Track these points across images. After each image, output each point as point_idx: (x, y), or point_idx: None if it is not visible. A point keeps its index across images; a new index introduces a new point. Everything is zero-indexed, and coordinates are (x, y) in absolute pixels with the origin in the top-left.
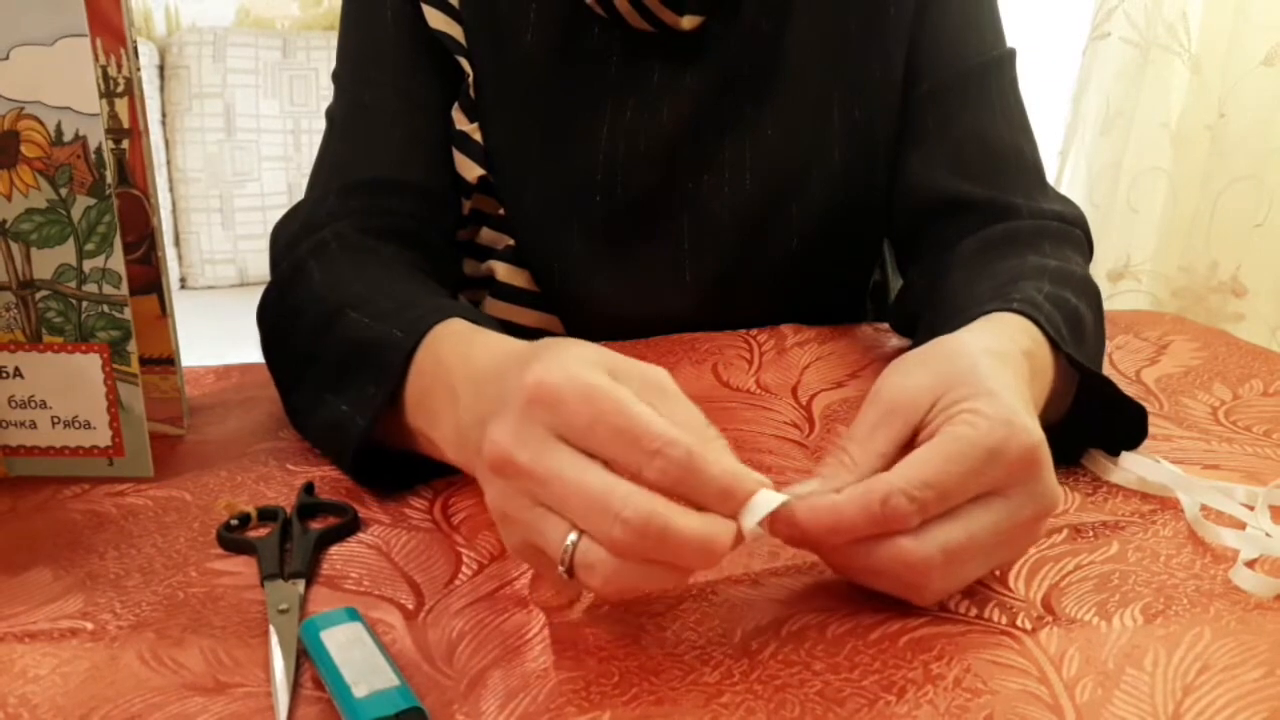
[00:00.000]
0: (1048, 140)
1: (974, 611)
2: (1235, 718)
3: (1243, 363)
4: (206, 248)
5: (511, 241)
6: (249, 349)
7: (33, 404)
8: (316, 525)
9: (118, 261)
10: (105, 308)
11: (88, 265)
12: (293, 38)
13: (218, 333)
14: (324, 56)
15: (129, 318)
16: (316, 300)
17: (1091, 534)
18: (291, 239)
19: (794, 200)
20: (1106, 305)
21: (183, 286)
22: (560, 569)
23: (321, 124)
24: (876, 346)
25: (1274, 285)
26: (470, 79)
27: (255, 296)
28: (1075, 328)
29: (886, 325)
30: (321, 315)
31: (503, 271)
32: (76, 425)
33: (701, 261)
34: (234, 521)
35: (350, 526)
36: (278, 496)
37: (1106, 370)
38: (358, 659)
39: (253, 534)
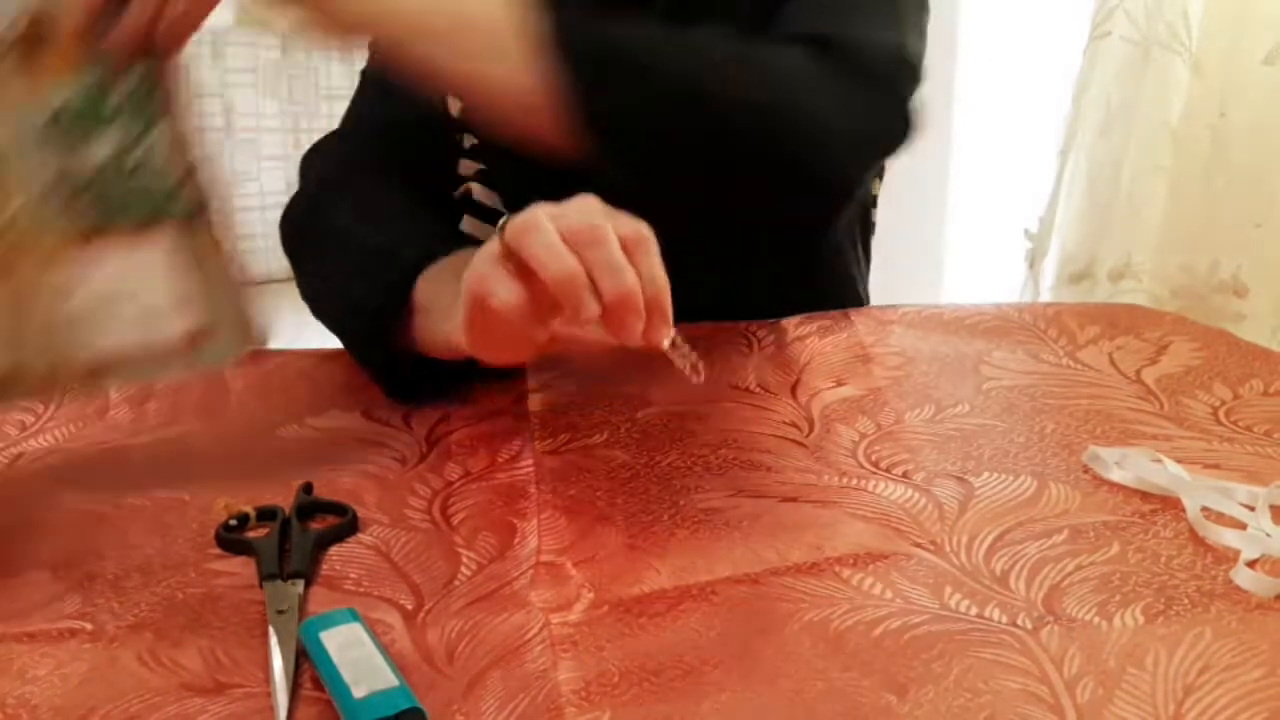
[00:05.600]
0: (1048, 140)
1: (975, 611)
2: (1236, 718)
3: (1243, 362)
4: None
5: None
6: None
7: (108, 301)
8: (315, 525)
9: (172, 135)
10: (166, 181)
11: (140, 146)
12: (292, 37)
13: None
14: (324, 56)
15: (202, 185)
16: (356, 202)
17: (1092, 534)
18: (321, 164)
19: None
20: (1107, 303)
21: None
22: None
23: (321, 123)
24: (879, 342)
25: (1275, 285)
26: None
27: (255, 296)
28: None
29: (892, 315)
30: (361, 211)
31: (478, 191)
32: (160, 316)
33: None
34: (232, 522)
35: (349, 527)
36: (276, 496)
37: (1107, 370)
38: (357, 660)
39: (251, 534)
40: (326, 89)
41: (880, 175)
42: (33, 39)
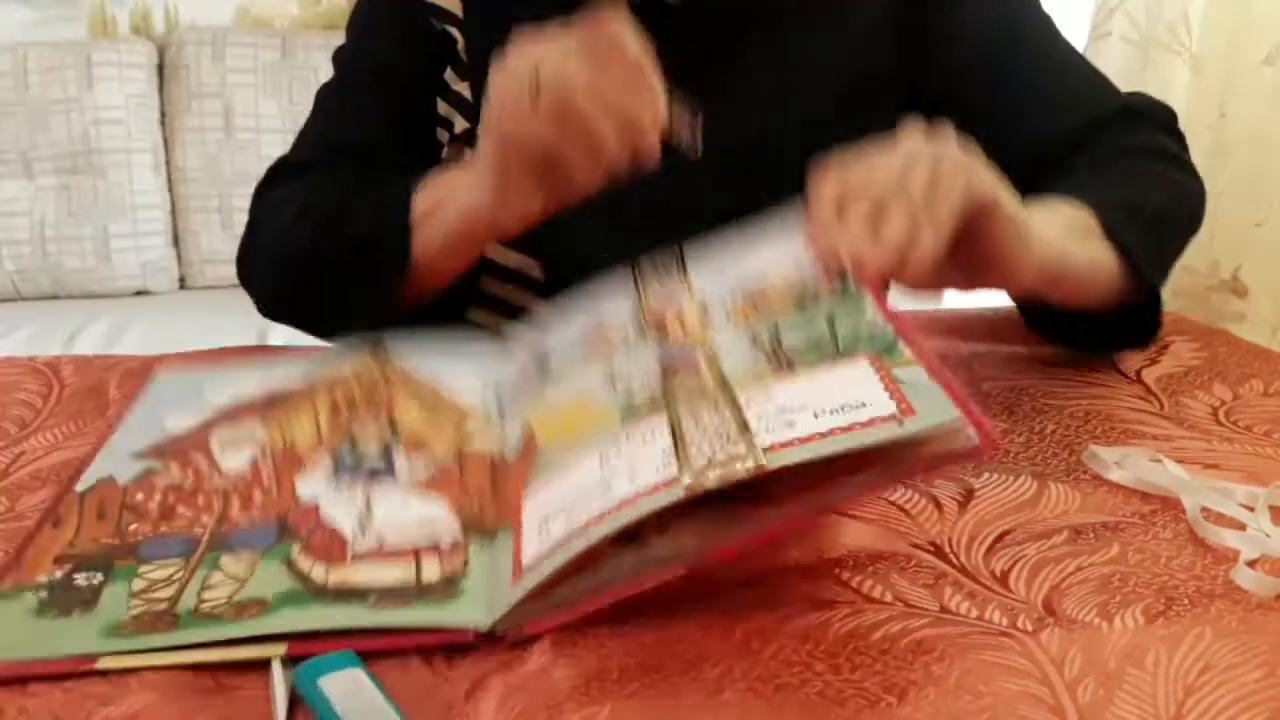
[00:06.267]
0: None
1: (975, 613)
2: (1237, 718)
3: (1243, 362)
4: (206, 248)
5: None
6: None
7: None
8: None
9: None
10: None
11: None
12: (292, 37)
13: (217, 333)
14: (323, 56)
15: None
16: (312, 205)
17: (1092, 535)
18: (275, 190)
19: (760, 182)
20: None
21: (182, 286)
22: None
23: None
24: None
25: (1275, 285)
26: (461, 44)
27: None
28: (1140, 223)
29: None
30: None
31: None
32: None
33: (680, 228)
34: None
35: None
36: None
37: (1107, 370)
38: (360, 707)
39: None
40: None
41: None
42: None
